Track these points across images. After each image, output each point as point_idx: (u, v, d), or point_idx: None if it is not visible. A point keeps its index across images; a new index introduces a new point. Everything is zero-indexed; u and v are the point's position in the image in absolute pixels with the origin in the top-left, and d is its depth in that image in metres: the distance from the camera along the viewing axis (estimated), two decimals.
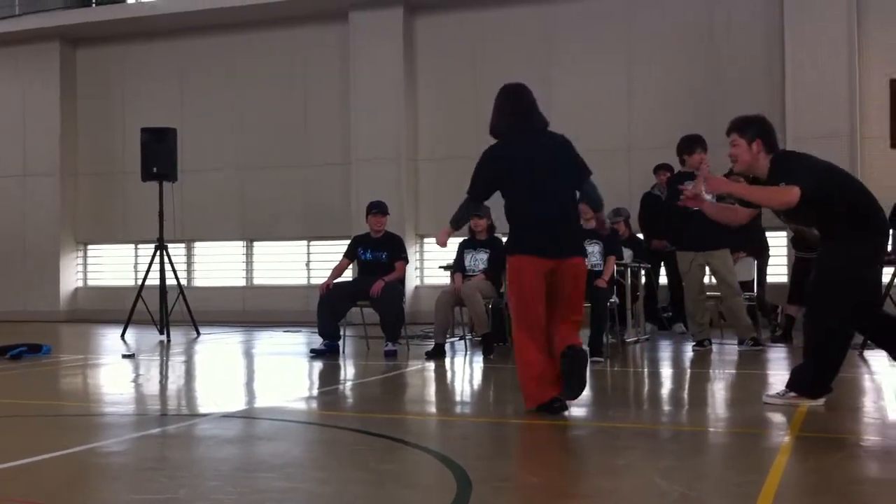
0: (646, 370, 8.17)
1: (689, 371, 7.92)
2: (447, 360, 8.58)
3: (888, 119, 9.12)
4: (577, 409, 6.12)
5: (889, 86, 9.23)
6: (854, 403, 5.88)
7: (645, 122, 12.64)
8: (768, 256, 10.47)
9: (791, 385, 5.65)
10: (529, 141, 5.74)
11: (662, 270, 11.20)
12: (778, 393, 5.71)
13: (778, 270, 11.54)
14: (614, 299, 8.89)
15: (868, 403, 5.98)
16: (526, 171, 5.65)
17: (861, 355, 8.35)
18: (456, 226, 6.09)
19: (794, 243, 9.66)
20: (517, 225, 5.64)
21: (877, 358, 8.17)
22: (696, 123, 10.30)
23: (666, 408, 6.11)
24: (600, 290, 8.37)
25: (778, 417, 5.52)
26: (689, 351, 8.95)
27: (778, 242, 11.39)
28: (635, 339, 9.80)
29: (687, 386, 7.18)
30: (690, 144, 8.80)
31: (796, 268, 9.62)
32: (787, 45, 11.96)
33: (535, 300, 5.50)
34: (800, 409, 5.49)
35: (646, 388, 7.14)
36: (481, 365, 8.37)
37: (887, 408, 5.65)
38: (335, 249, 12.69)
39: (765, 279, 10.37)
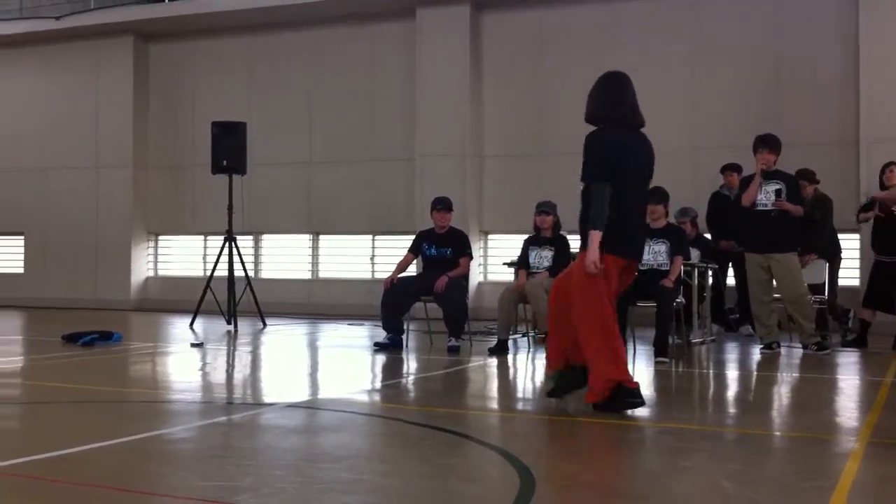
0: (711, 372, 8.05)
1: (755, 374, 7.78)
2: (510, 357, 8.56)
3: None
4: (641, 410, 6.06)
5: None
6: None
7: (711, 122, 12.45)
8: (840, 259, 10.23)
9: None
10: (640, 138, 5.64)
11: (730, 271, 11.02)
12: None
13: (850, 273, 11.28)
14: (681, 299, 8.78)
15: None
16: (636, 168, 5.53)
17: None
18: (601, 225, 5.36)
19: (875, 246, 9.39)
20: (615, 223, 5.34)
21: None
22: (762, 124, 10.11)
23: (731, 410, 6.02)
24: (666, 290, 8.27)
25: (847, 423, 5.41)
26: (756, 353, 8.80)
27: (850, 245, 11.13)
28: (701, 340, 9.67)
29: (753, 389, 7.06)
30: (755, 144, 8.68)
31: (874, 271, 9.37)
32: (862, 45, 11.67)
33: (611, 300, 5.47)
34: (870, 414, 5.36)
35: (711, 390, 7.03)
36: (544, 362, 8.33)
37: None
38: (400, 244, 12.75)
39: (836, 282, 10.13)
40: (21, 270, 16.58)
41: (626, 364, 5.48)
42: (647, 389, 6.99)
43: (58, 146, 16.18)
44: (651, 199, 8.67)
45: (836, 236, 10.14)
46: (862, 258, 11.03)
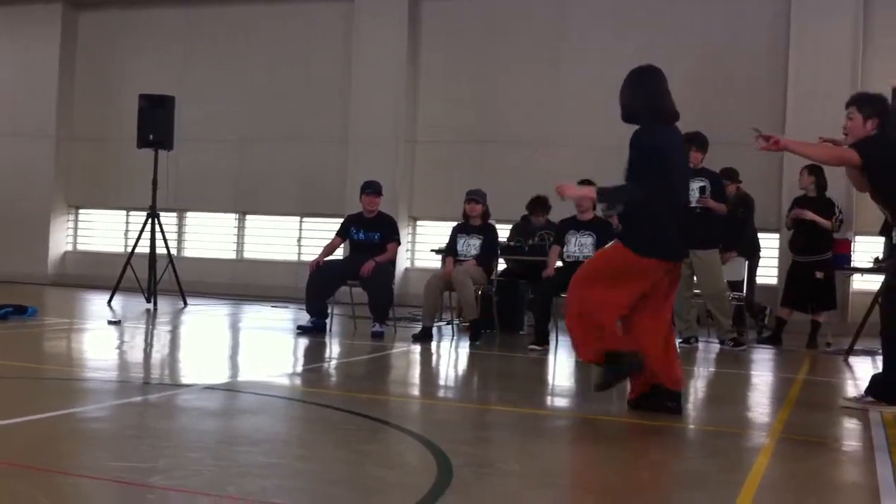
0: None
1: None
2: (433, 344, 8.58)
3: None
4: (560, 399, 6.14)
5: (891, 93, 9.23)
6: (836, 407, 5.90)
7: None
8: (759, 258, 10.48)
9: (869, 390, 5.64)
10: (676, 133, 5.48)
11: None
12: (855, 397, 5.72)
13: (768, 272, 11.55)
14: None
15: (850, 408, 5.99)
16: (677, 167, 5.38)
17: (846, 361, 8.39)
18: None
19: (792, 246, 9.64)
20: (657, 223, 5.20)
21: (861, 364, 8.21)
22: (691, 123, 10.25)
23: None
24: None
25: (760, 419, 5.55)
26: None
27: (770, 244, 11.40)
28: None
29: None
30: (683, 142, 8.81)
31: (792, 271, 9.62)
32: (791, 47, 11.93)
33: (634, 301, 5.24)
34: (782, 410, 5.50)
35: (628, 381, 7.13)
36: (467, 350, 8.38)
37: (869, 414, 5.66)
38: (329, 227, 12.65)
39: (754, 280, 10.38)
40: None
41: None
42: (566, 380, 7.09)
43: None
44: None
45: (757, 235, 10.39)
46: (780, 257, 11.31)
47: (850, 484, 4.10)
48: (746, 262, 9.94)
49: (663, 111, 5.39)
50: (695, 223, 8.66)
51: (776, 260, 11.55)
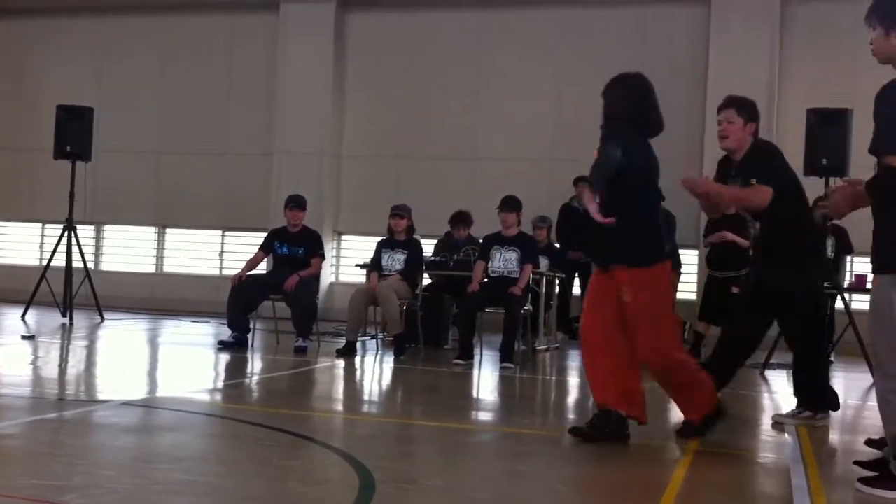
0: (554, 378, 8.25)
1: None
2: (358, 359, 8.53)
3: (803, 148, 9.40)
4: (484, 414, 6.16)
5: (806, 115, 9.53)
6: (753, 420, 6.03)
7: (570, 134, 12.75)
8: (680, 273, 10.68)
9: (803, 403, 5.75)
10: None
11: (577, 281, 11.35)
12: (790, 413, 5.80)
13: (687, 287, 11.79)
14: (528, 307, 8.96)
15: (766, 421, 6.14)
16: (656, 175, 5.22)
17: (762, 374, 8.59)
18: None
19: (709, 262, 9.86)
20: (653, 231, 5.05)
21: (776, 377, 8.41)
22: None
23: (571, 416, 6.18)
24: (515, 297, 8.42)
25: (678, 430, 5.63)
26: None
27: (689, 260, 11.63)
28: (546, 347, 9.90)
29: (592, 395, 7.25)
30: None
31: (708, 286, 9.84)
32: (711, 71, 12.24)
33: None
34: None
35: (553, 396, 7.21)
36: (391, 365, 8.35)
37: (783, 426, 5.81)
38: (252, 241, 12.51)
39: (674, 295, 10.57)
40: None
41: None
42: (490, 395, 7.11)
43: None
44: (503, 207, 8.84)
45: (678, 251, 10.59)
46: (699, 273, 11.54)
47: (765, 495, 4.19)
48: None
49: (652, 122, 5.27)
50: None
51: (695, 276, 11.79)
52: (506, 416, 6.03)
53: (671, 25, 12.82)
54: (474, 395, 7.13)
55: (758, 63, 12.12)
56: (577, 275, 11.25)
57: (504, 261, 8.73)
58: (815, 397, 5.74)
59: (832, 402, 5.81)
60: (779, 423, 5.72)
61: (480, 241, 9.24)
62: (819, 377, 5.79)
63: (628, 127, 5.07)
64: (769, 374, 8.64)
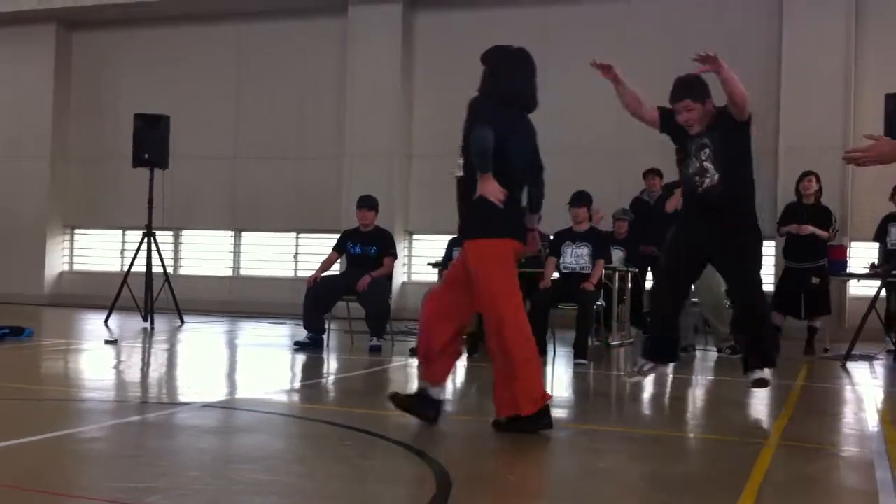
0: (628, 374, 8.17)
1: (671, 376, 7.92)
2: None
3: (882, 133, 9.16)
4: (559, 411, 6.12)
5: (884, 101, 9.29)
6: (835, 413, 5.89)
7: (636, 125, 12.57)
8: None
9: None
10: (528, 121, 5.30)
11: (650, 275, 11.22)
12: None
13: (766, 280, 11.54)
14: (601, 302, 8.90)
15: (848, 413, 6.00)
16: (528, 151, 5.26)
17: (844, 366, 8.39)
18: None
19: (786, 253, 9.68)
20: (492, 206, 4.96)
21: (859, 368, 8.21)
22: None
23: (647, 412, 6.12)
24: (587, 293, 8.37)
25: (758, 426, 5.54)
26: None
27: (766, 252, 11.39)
28: (620, 342, 9.81)
29: (669, 391, 7.18)
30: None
31: (784, 277, 9.65)
32: (784, 56, 11.99)
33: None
34: (780, 416, 5.49)
35: (628, 392, 7.14)
36: (465, 363, 8.37)
37: (866, 418, 5.67)
38: (325, 243, 12.66)
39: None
40: None
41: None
42: (565, 391, 7.08)
43: None
44: (574, 202, 8.79)
45: None
46: (777, 265, 11.32)
47: (850, 489, 4.09)
48: None
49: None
50: None
51: (773, 267, 11.56)
52: (580, 412, 6.00)
53: (743, 11, 12.58)
54: (547, 391, 7.08)
55: (832, 48, 11.83)
56: (649, 269, 11.11)
57: (576, 256, 8.68)
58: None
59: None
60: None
61: (551, 237, 9.20)
62: None
63: (499, 103, 5.11)
64: (851, 365, 8.44)
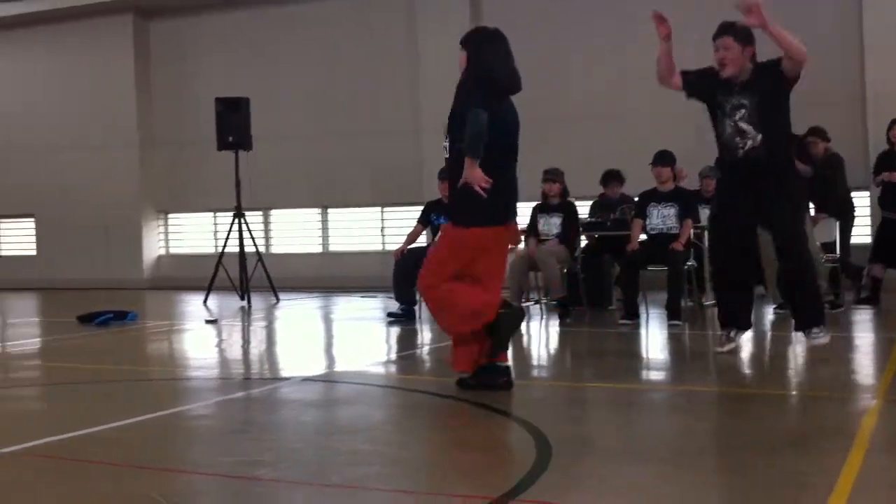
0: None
1: (769, 334, 7.79)
2: (522, 325, 8.56)
3: None
4: (655, 373, 6.09)
5: None
6: None
7: None
8: (853, 217, 10.14)
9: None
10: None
11: None
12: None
13: (863, 231, 11.22)
14: (692, 262, 8.78)
15: None
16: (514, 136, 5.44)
17: None
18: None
19: (882, 203, 9.38)
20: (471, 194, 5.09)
21: None
22: None
23: (747, 371, 6.04)
24: (677, 253, 8.26)
25: (864, 381, 5.42)
26: (769, 314, 8.80)
27: (862, 203, 11.07)
28: (713, 302, 9.65)
29: (768, 349, 7.07)
30: None
31: (882, 228, 9.36)
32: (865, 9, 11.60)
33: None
34: (886, 371, 5.36)
35: (724, 351, 7.03)
36: (557, 329, 8.36)
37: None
38: (409, 215, 12.74)
39: (848, 241, 10.06)
40: (34, 252, 16.65)
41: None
42: (660, 353, 7.03)
43: (64, 127, 16.14)
44: (657, 161, 8.66)
45: (849, 195, 10.08)
46: (873, 215, 10.98)
47: None
48: (838, 223, 9.66)
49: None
50: None
51: (869, 218, 11.22)
52: (677, 374, 5.95)
53: None
54: (643, 354, 7.06)
55: None
56: None
57: (662, 217, 8.56)
58: None
59: None
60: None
61: (636, 198, 9.07)
62: None
63: (491, 85, 5.22)
64: None
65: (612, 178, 10.14)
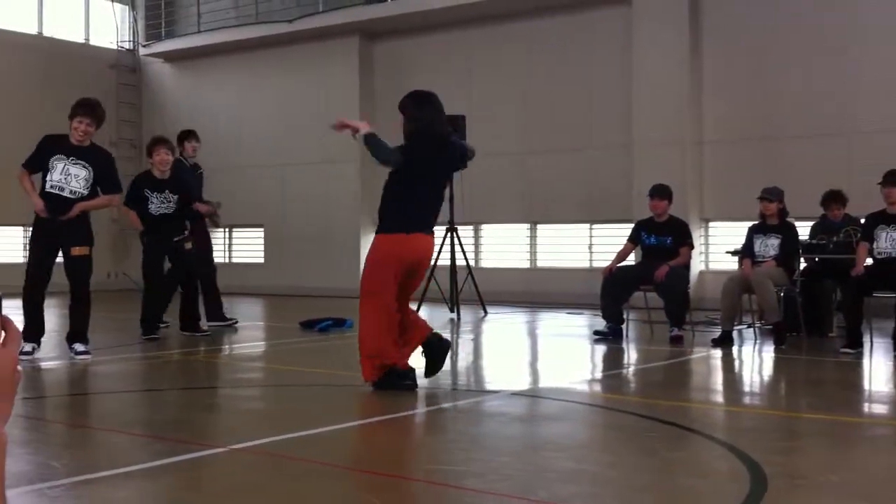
0: None
1: None
2: (735, 349, 8.32)
3: None
4: (879, 406, 5.77)
5: None
6: None
7: None
8: None
9: None
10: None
11: None
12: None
13: None
14: None
15: None
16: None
17: None
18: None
19: None
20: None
21: None
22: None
23: None
24: None
25: None
26: None
27: None
28: None
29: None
30: None
31: None
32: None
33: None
34: None
35: None
36: (772, 355, 8.05)
37: None
38: (618, 233, 12.63)
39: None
40: (262, 260, 17.78)
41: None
42: (885, 385, 6.61)
43: (292, 144, 17.15)
44: (887, 182, 8.16)
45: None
46: None
47: None
48: None
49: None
50: None
51: None
52: None
53: None
54: (866, 386, 6.68)
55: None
56: None
57: (892, 241, 8.05)
58: None
59: None
60: None
61: (861, 220, 8.60)
62: None
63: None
64: None
65: (832, 199, 9.64)
